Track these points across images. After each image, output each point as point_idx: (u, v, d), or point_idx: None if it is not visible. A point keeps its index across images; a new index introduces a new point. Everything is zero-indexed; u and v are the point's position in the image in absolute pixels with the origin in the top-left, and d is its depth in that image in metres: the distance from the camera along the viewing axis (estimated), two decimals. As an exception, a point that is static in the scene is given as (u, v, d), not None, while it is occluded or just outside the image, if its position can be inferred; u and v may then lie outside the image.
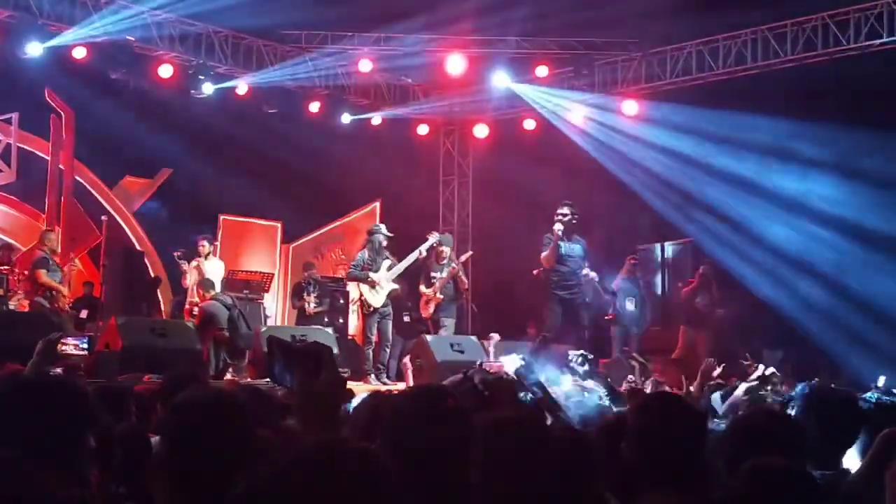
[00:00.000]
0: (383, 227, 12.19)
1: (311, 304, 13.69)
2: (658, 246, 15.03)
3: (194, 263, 12.80)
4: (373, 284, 11.78)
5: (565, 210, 11.39)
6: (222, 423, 2.60)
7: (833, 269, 12.59)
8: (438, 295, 12.21)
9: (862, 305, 12.15)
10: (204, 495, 2.47)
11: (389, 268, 11.95)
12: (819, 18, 13.15)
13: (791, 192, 13.29)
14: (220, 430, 2.57)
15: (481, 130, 16.90)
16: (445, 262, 12.29)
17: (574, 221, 11.42)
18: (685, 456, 2.83)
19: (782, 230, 13.03)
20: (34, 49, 12.84)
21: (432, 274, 12.27)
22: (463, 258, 12.85)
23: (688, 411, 3.11)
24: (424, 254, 12.15)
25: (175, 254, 13.19)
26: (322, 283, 14.42)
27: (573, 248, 11.36)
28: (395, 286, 12.03)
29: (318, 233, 16.68)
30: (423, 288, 12.37)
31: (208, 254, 12.92)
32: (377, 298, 11.84)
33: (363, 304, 11.89)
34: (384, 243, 11.97)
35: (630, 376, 11.53)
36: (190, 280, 12.77)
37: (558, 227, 11.23)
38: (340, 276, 16.04)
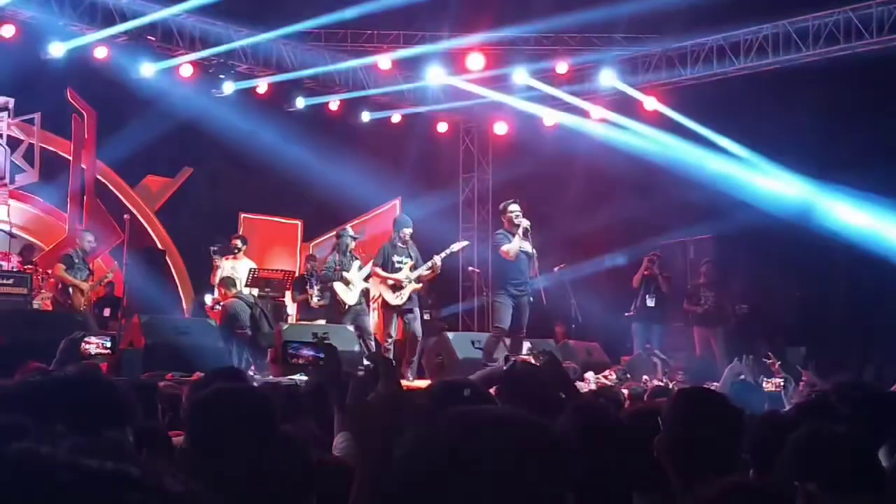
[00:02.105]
0: (350, 230, 12.63)
1: (314, 298, 13.72)
2: (679, 242, 14.96)
3: (229, 262, 12.84)
4: (346, 282, 12.00)
5: (518, 207, 10.89)
6: (245, 417, 2.60)
7: (856, 262, 12.49)
8: (414, 283, 11.64)
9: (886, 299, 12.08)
10: (225, 487, 2.48)
11: (359, 268, 12.17)
12: (841, 12, 13.05)
13: (811, 186, 13.25)
14: (243, 425, 2.57)
15: (501, 128, 16.89)
16: (408, 246, 11.80)
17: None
18: (719, 449, 2.81)
19: (805, 223, 12.92)
20: (56, 49, 12.93)
21: (395, 258, 11.67)
22: (456, 248, 12.04)
23: (722, 404, 3.09)
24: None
25: (211, 248, 13.30)
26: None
27: (523, 247, 10.87)
28: (367, 285, 12.19)
29: (338, 230, 16.66)
30: (381, 272, 11.62)
31: (238, 252, 12.98)
32: (351, 296, 12.02)
33: (339, 303, 12.02)
34: (352, 245, 12.32)
35: (644, 376, 11.52)
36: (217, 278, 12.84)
37: (527, 222, 10.72)
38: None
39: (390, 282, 11.58)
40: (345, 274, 12.02)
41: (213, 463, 2.46)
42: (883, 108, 12.45)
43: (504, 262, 10.83)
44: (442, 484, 1.36)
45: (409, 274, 11.61)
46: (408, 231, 11.80)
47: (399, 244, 11.79)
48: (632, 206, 14.60)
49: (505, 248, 10.75)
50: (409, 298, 11.65)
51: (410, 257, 11.72)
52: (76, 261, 11.86)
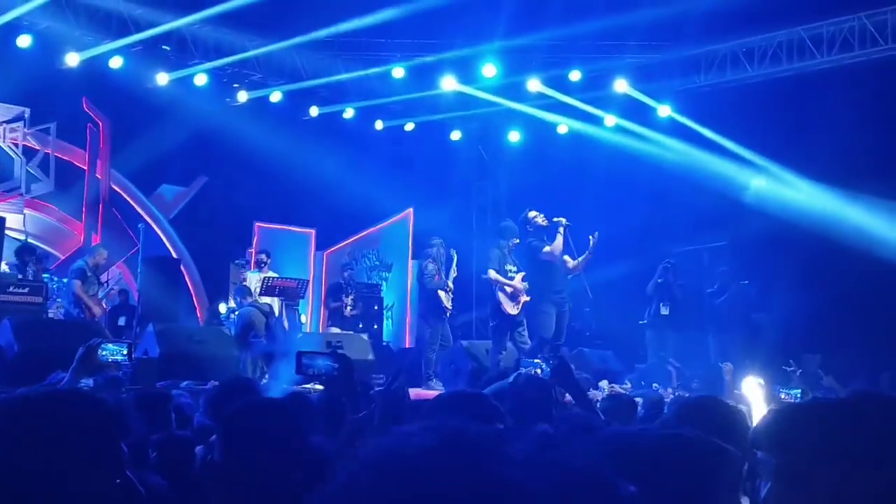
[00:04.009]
0: (441, 241, 12.53)
1: (349, 307, 13.73)
2: (693, 250, 14.91)
3: (256, 274, 12.89)
4: (448, 290, 12.07)
5: (536, 212, 10.70)
6: (276, 428, 2.61)
7: (872, 269, 12.42)
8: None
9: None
10: (258, 499, 2.49)
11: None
12: (856, 19, 12.99)
13: (826, 192, 13.19)
14: (274, 436, 2.58)
15: (514, 136, 16.88)
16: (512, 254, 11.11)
17: None
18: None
19: (821, 230, 12.85)
20: (71, 59, 13.00)
21: (507, 266, 10.87)
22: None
23: (731, 412, 3.07)
24: (457, 272, 12.22)
25: (236, 262, 13.42)
26: (358, 287, 14.45)
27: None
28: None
29: (353, 238, 16.70)
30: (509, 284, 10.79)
31: (264, 266, 13.03)
32: (449, 302, 12.12)
33: (439, 307, 12.03)
34: (443, 254, 12.34)
35: (654, 384, 11.44)
36: None
37: (565, 220, 10.46)
38: (375, 282, 16.08)
39: (510, 290, 10.76)
40: (447, 281, 12.11)
41: (247, 475, 2.48)
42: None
43: (545, 269, 10.51)
44: None
45: (525, 285, 10.75)
46: (515, 241, 11.02)
47: (507, 252, 11.04)
48: (645, 213, 14.56)
49: (548, 248, 10.45)
50: (521, 310, 10.88)
51: (517, 265, 11.02)
52: (88, 274, 11.91)
